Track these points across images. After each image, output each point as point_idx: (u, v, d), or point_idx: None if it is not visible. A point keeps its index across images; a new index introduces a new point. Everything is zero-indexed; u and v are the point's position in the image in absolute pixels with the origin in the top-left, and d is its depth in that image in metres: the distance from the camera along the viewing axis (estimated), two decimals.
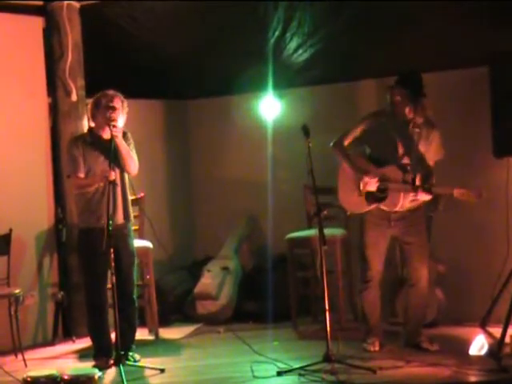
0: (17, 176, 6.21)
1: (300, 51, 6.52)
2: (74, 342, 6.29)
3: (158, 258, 6.54)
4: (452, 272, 6.14)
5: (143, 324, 6.31)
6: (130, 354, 5.54)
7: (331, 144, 5.50)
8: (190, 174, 7.73)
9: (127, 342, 5.48)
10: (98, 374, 4.93)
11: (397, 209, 5.33)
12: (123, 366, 5.10)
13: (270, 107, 7.03)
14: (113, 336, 5.39)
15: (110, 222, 5.15)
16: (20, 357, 5.73)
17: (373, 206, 5.39)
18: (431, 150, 5.39)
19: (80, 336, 6.25)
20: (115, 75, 6.23)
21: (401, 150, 5.37)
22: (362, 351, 5.43)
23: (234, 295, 6.81)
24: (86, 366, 5.31)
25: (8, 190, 6.15)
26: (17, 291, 5.74)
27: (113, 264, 5.17)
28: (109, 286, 5.46)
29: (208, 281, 6.85)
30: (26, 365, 5.61)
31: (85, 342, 6.03)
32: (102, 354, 5.47)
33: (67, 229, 6.42)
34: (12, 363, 5.67)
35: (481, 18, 5.71)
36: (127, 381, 4.95)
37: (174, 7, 6.17)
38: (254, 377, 5.08)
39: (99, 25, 6.43)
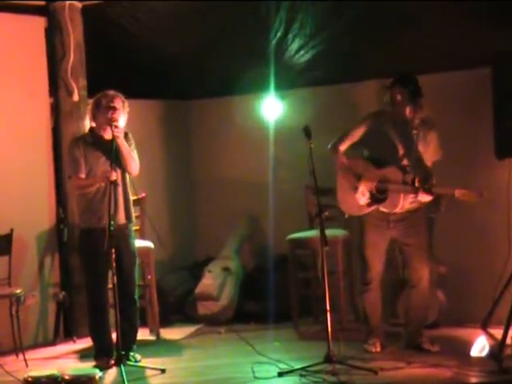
0: (18, 176, 6.21)
1: (302, 52, 6.52)
2: (74, 342, 6.29)
3: (159, 258, 6.55)
4: (453, 273, 6.14)
5: (144, 324, 6.31)
6: (131, 354, 5.54)
7: (329, 146, 5.49)
8: (192, 175, 7.73)
9: (128, 342, 5.48)
10: (98, 374, 4.93)
11: (397, 210, 5.33)
12: (124, 366, 5.10)
13: (271, 108, 7.03)
14: (114, 336, 5.39)
15: (112, 222, 5.15)
16: (21, 357, 5.73)
17: (372, 208, 5.39)
18: (429, 150, 5.38)
19: (81, 336, 6.25)
20: (117, 75, 6.24)
21: (401, 151, 5.37)
22: (363, 352, 5.43)
23: (234, 296, 6.81)
24: (87, 366, 5.31)
25: (9, 189, 6.15)
26: (18, 291, 5.75)
27: (114, 264, 5.17)
28: (110, 286, 5.47)
29: (209, 281, 6.85)
30: (26, 365, 5.61)
31: (86, 342, 6.03)
32: (102, 354, 5.47)
33: (69, 229, 6.42)
34: (13, 363, 5.66)
35: (481, 18, 5.71)
36: (128, 381, 4.95)
37: (175, 7, 6.17)
38: (255, 377, 5.07)
39: (101, 25, 6.43)
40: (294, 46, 6.46)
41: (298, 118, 6.61)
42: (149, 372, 5.33)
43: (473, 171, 6.03)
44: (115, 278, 5.17)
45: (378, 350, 5.47)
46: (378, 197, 5.36)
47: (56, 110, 6.49)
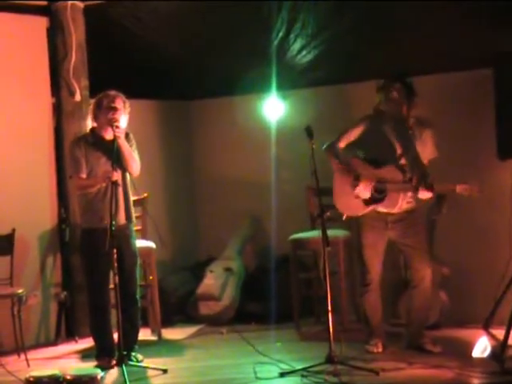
0: (20, 176, 6.21)
1: (304, 52, 6.52)
2: (76, 342, 6.29)
3: (161, 258, 6.55)
4: (455, 274, 6.13)
5: (146, 324, 6.32)
6: (133, 354, 5.54)
7: (324, 147, 5.46)
8: (193, 175, 7.72)
9: (130, 342, 5.47)
10: (100, 374, 4.93)
11: (395, 209, 5.33)
12: (126, 366, 5.10)
13: (273, 108, 7.03)
14: (115, 336, 5.40)
15: (113, 222, 5.15)
16: (23, 357, 5.73)
17: (370, 208, 5.38)
18: (425, 149, 5.38)
19: (83, 336, 6.26)
20: (119, 75, 6.24)
21: (399, 150, 5.37)
22: (364, 353, 5.43)
23: (236, 296, 6.81)
24: (89, 366, 5.31)
25: (11, 189, 6.15)
26: (20, 291, 5.75)
27: (116, 264, 5.17)
28: (111, 286, 5.47)
29: (211, 281, 6.85)
30: (28, 365, 5.62)
31: (87, 342, 6.03)
32: (104, 354, 5.48)
33: (70, 229, 6.42)
34: (15, 363, 5.67)
35: (481, 18, 5.71)
36: (130, 381, 4.95)
37: (178, 7, 6.16)
38: (257, 378, 5.07)
39: (103, 25, 6.43)
40: (296, 46, 6.46)
41: (300, 118, 6.60)
42: (150, 372, 5.33)
43: (475, 172, 6.00)
44: (117, 278, 5.17)
45: (380, 350, 5.46)
46: (376, 196, 5.36)
47: (58, 110, 6.49)
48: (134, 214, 5.69)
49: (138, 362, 5.51)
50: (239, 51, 6.50)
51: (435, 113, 6.12)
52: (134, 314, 5.58)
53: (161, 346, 6.09)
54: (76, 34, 6.38)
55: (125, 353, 5.24)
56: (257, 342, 5.84)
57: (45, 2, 6.40)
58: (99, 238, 5.28)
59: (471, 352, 5.22)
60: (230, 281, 6.86)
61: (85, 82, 6.48)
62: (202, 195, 7.69)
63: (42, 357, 5.90)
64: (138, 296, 5.61)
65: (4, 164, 6.13)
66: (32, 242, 6.30)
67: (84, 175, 5.45)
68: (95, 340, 5.59)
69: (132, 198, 5.62)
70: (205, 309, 6.76)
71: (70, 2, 6.34)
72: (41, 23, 6.43)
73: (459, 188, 5.09)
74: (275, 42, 6.39)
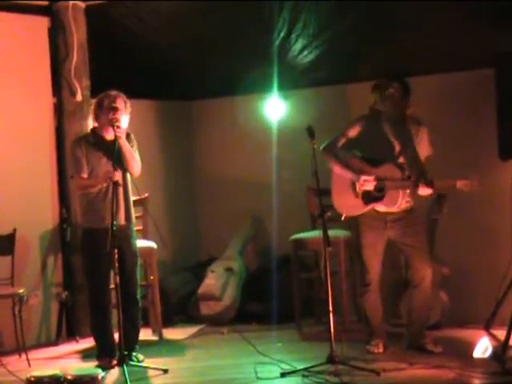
0: (21, 176, 6.21)
1: (305, 52, 6.52)
2: (77, 341, 6.29)
3: (162, 258, 6.55)
4: (456, 274, 6.13)
5: (147, 324, 6.32)
6: (134, 354, 5.54)
7: (321, 148, 5.45)
8: (194, 175, 7.73)
9: (131, 342, 5.48)
10: (101, 374, 4.94)
11: (396, 206, 5.32)
12: (126, 366, 5.10)
13: (274, 108, 7.03)
14: (116, 336, 5.40)
15: (114, 222, 5.16)
16: (24, 356, 5.73)
17: (370, 207, 5.38)
18: (421, 147, 5.39)
19: (84, 336, 6.25)
20: (120, 75, 6.24)
21: (397, 149, 5.38)
22: (365, 353, 5.43)
23: (237, 296, 6.81)
24: (90, 366, 5.31)
25: (12, 189, 6.15)
26: (21, 291, 5.75)
27: (116, 264, 5.17)
28: (112, 286, 5.47)
29: (212, 281, 6.85)
30: (29, 364, 5.61)
31: (88, 342, 6.03)
32: (105, 354, 5.48)
33: (71, 228, 6.42)
34: (16, 363, 5.67)
35: (482, 18, 5.70)
36: (130, 381, 4.95)
37: (179, 7, 6.16)
38: (258, 378, 5.07)
39: (104, 25, 6.43)
40: (298, 46, 6.46)
41: (301, 118, 6.61)
42: (151, 372, 5.33)
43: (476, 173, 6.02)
44: (117, 278, 5.17)
45: (381, 350, 5.46)
46: (375, 195, 5.36)
47: (59, 110, 6.49)
48: (135, 214, 5.69)
49: (138, 362, 5.51)
50: (240, 51, 6.50)
51: (436, 113, 6.13)
52: (135, 314, 5.58)
53: (161, 346, 6.09)
54: (77, 34, 6.38)
55: (126, 353, 5.24)
56: (258, 342, 5.85)
57: (46, 2, 6.40)
58: (100, 237, 5.29)
59: (472, 352, 5.21)
60: (231, 281, 6.86)
61: (86, 82, 6.48)
62: (203, 195, 7.69)
63: (43, 357, 5.90)
64: (138, 296, 5.62)
65: (5, 164, 6.14)
66: (33, 241, 6.30)
67: (85, 175, 5.45)
68: (96, 340, 5.59)
69: (133, 198, 5.62)
70: (206, 309, 6.76)
71: (71, 2, 6.34)
72: (42, 23, 6.43)
73: (459, 183, 5.09)
74: (276, 42, 6.39)
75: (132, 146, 5.47)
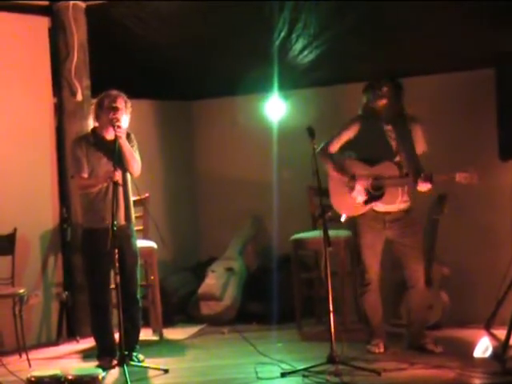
0: (22, 175, 6.21)
1: (305, 52, 6.52)
2: (77, 341, 6.29)
3: (162, 258, 6.55)
4: (456, 274, 6.13)
5: (147, 324, 6.32)
6: (134, 354, 5.54)
7: (317, 150, 5.43)
8: (194, 175, 7.73)
9: (131, 342, 5.48)
10: (101, 374, 4.93)
11: (396, 204, 5.32)
12: (127, 366, 5.10)
13: (275, 108, 7.03)
14: (116, 336, 5.40)
15: (115, 222, 5.16)
16: (24, 356, 5.73)
17: (369, 207, 5.39)
18: (416, 144, 5.40)
19: (84, 336, 6.25)
20: (120, 75, 6.23)
21: (394, 147, 5.38)
22: (366, 353, 5.43)
23: (238, 296, 6.81)
24: (90, 366, 5.31)
25: (13, 189, 6.15)
26: (21, 291, 5.75)
27: (117, 264, 5.17)
28: (112, 286, 5.47)
29: (212, 281, 6.85)
30: (29, 364, 5.62)
31: (89, 342, 6.03)
32: (105, 354, 5.48)
33: (72, 228, 6.42)
34: (16, 363, 5.67)
35: (482, 18, 5.70)
36: (131, 381, 4.95)
37: (179, 8, 6.16)
38: (258, 378, 5.07)
39: (105, 25, 6.43)
40: (298, 45, 6.45)
41: (302, 118, 6.60)
42: (152, 372, 5.33)
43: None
44: (118, 277, 5.17)
45: (381, 350, 5.46)
46: (374, 194, 5.36)
47: (59, 110, 6.49)
48: (135, 214, 5.69)
49: (139, 362, 5.51)
50: (241, 51, 6.50)
51: (436, 113, 6.13)
52: (135, 314, 5.58)
53: (162, 346, 6.09)
54: (78, 34, 6.38)
55: (126, 353, 5.24)
56: (258, 342, 5.84)
57: (47, 2, 6.40)
58: (100, 237, 5.29)
59: (473, 352, 5.22)
60: (232, 281, 6.86)
61: (86, 82, 6.48)
62: (204, 195, 7.69)
63: (44, 357, 5.90)
64: (138, 296, 5.62)
65: (5, 164, 6.13)
66: (33, 241, 6.30)
67: (85, 175, 5.45)
68: (96, 340, 5.59)
69: (133, 198, 5.62)
70: (206, 309, 6.76)
71: (71, 2, 6.34)
72: (43, 23, 6.43)
73: (459, 176, 5.09)
74: (277, 42, 6.39)
75: (132, 146, 5.47)
